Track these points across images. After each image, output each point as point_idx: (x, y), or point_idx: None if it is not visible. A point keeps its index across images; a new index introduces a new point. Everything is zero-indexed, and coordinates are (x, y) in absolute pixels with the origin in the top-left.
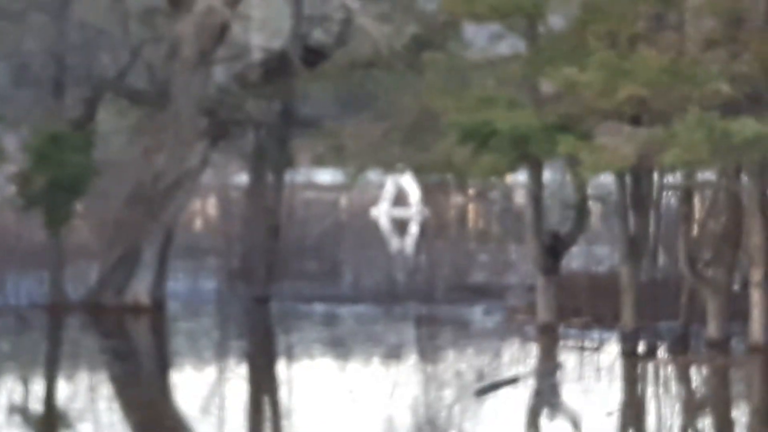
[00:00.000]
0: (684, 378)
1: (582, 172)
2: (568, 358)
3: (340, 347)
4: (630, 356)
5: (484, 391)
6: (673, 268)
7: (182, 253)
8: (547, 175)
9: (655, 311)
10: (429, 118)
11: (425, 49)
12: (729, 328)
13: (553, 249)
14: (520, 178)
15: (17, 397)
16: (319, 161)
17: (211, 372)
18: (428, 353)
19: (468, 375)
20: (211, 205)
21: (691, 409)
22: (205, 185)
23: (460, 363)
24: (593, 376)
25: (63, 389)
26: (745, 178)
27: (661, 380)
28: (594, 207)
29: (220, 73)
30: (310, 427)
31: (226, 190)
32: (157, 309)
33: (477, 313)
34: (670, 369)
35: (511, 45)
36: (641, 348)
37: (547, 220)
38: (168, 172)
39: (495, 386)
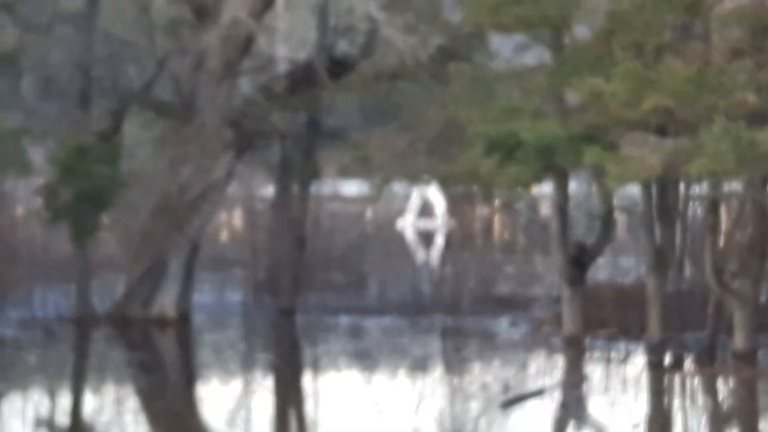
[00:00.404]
0: (711, 390)
1: (608, 182)
2: (594, 370)
3: (366, 359)
4: (656, 368)
5: (510, 404)
6: (699, 280)
7: (208, 265)
8: (573, 186)
9: (681, 323)
10: (454, 129)
11: (450, 60)
12: (756, 340)
13: (579, 260)
14: (545, 189)
15: (44, 409)
16: (345, 172)
17: (237, 384)
18: (454, 365)
19: (494, 387)
20: (237, 217)
21: (718, 421)
22: (231, 197)
23: (486, 375)
24: (619, 388)
25: (90, 402)
26: None
27: (688, 392)
28: (620, 218)
29: (245, 85)
30: None
31: (252, 201)
32: (183, 321)
33: (503, 325)
34: (697, 381)
35: (536, 55)
36: (668, 359)
37: (573, 231)
38: (194, 183)
39: (521, 398)
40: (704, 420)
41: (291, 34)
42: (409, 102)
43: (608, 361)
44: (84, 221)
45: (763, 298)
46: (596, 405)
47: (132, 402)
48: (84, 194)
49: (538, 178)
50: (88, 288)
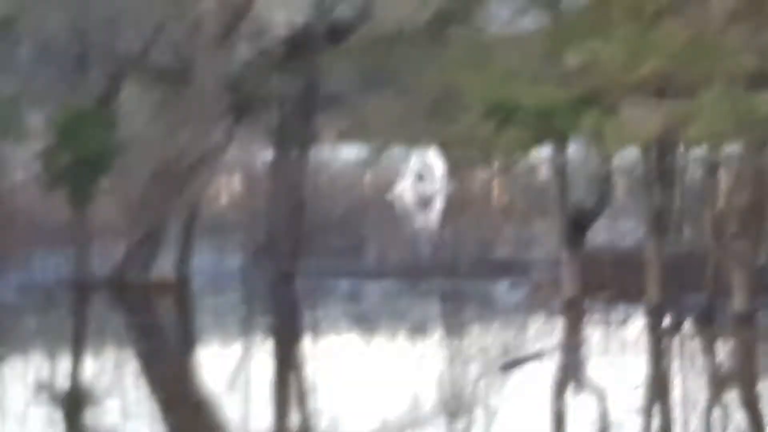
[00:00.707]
0: (710, 351)
1: (607, 146)
2: (593, 333)
3: (365, 323)
4: (655, 330)
5: (509, 366)
6: (698, 242)
7: (207, 229)
8: (572, 149)
9: (680, 285)
10: (453, 94)
11: (449, 25)
12: (755, 302)
13: (578, 223)
14: (544, 153)
15: (44, 373)
16: (344, 137)
17: (236, 348)
18: (453, 328)
19: (493, 350)
20: (236, 182)
21: (717, 383)
22: (230, 162)
23: (485, 338)
24: (619, 351)
25: (89, 366)
26: None
27: (687, 354)
28: (619, 181)
29: (243, 50)
30: (336, 403)
31: (251, 166)
32: (182, 285)
33: (502, 288)
34: (696, 342)
35: (534, 20)
36: (667, 322)
37: (571, 194)
38: (192, 148)
39: (520, 361)
40: (703, 382)
41: None
42: (408, 66)
43: (607, 323)
44: (82, 186)
45: (761, 260)
46: (596, 367)
47: (131, 366)
48: (82, 159)
49: (537, 142)
50: (87, 253)
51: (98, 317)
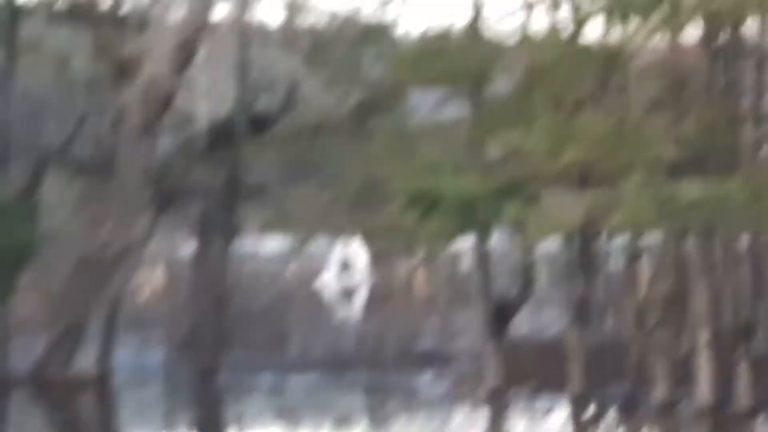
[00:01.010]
0: None
1: (529, 236)
2: (517, 424)
3: (289, 416)
4: (579, 421)
5: None
6: (620, 332)
7: (129, 324)
8: (495, 239)
9: (603, 375)
10: (376, 184)
11: (371, 115)
12: (677, 392)
13: (501, 314)
14: (467, 242)
15: None
16: (267, 228)
17: None
18: (377, 421)
19: None
20: (159, 274)
21: None
22: (152, 255)
23: (409, 430)
24: None
25: None
26: (690, 241)
27: None
28: (541, 270)
29: (165, 142)
30: None
31: (173, 259)
32: (104, 381)
33: (426, 380)
34: None
35: (456, 110)
36: (590, 412)
37: (494, 284)
38: (114, 241)
39: None
40: None
41: (211, 90)
42: (331, 157)
43: (531, 413)
44: (2, 281)
45: (683, 350)
46: None
47: None
48: (2, 253)
49: (459, 232)
50: (7, 349)
51: (18, 415)
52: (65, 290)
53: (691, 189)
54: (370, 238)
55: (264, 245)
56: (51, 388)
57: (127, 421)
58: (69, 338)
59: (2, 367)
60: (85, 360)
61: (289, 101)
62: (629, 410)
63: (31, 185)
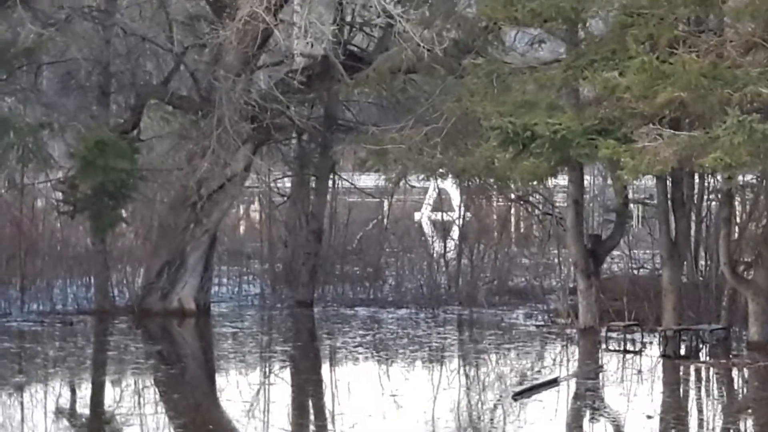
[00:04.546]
0: (725, 381)
1: (623, 175)
2: (609, 361)
3: (383, 350)
4: (671, 359)
5: (522, 394)
6: (714, 271)
7: (227, 257)
8: (588, 178)
9: (696, 314)
10: (470, 123)
11: (466, 54)
12: None
13: (595, 252)
14: (561, 182)
15: (64, 401)
16: (362, 166)
17: (255, 376)
18: (470, 356)
19: (509, 378)
20: (255, 210)
21: (733, 412)
22: (249, 190)
23: (501, 366)
24: (634, 379)
25: (109, 393)
26: None
27: (703, 383)
28: (635, 210)
29: (263, 79)
30: (354, 428)
31: (270, 195)
32: (202, 313)
33: (519, 317)
34: (712, 372)
35: (551, 49)
36: (683, 350)
37: (588, 223)
38: (212, 177)
39: (534, 389)
40: (719, 411)
41: (308, 28)
42: (425, 96)
43: (623, 352)
44: (103, 215)
45: None
46: (611, 395)
47: (152, 393)
48: (103, 188)
49: (553, 171)
50: (108, 281)
51: (119, 345)
52: (164, 224)
53: None
54: (464, 176)
55: (359, 182)
56: (150, 319)
57: (225, 353)
58: (168, 271)
59: (103, 299)
60: (184, 292)
61: (385, 40)
62: (722, 349)
63: (131, 121)
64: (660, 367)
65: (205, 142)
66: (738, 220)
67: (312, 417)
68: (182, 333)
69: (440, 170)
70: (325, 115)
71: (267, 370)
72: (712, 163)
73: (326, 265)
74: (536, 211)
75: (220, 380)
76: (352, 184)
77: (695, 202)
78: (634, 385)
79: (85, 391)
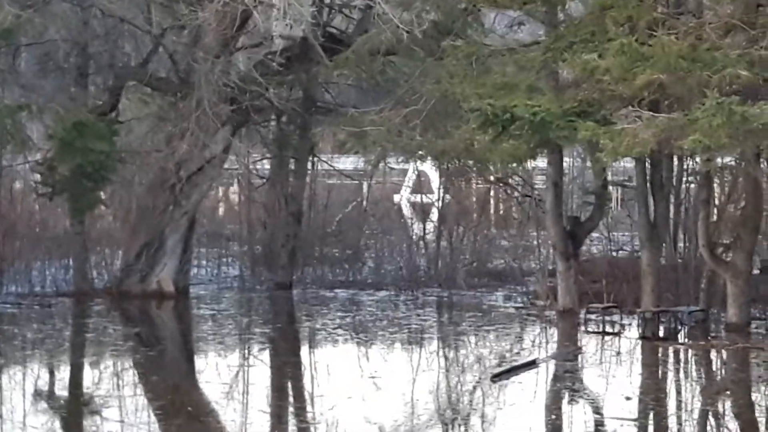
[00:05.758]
0: (704, 362)
1: (602, 157)
2: (588, 343)
3: (362, 332)
4: (650, 340)
5: (500, 375)
6: (693, 253)
7: (206, 239)
8: (567, 160)
9: (675, 296)
10: (449, 105)
11: (445, 36)
12: (748, 313)
13: (574, 234)
14: (540, 164)
15: (43, 383)
16: (341, 148)
17: (234, 357)
18: (449, 338)
19: (488, 360)
20: (234, 192)
21: (711, 393)
22: (228, 172)
23: (480, 348)
24: (613, 360)
25: (88, 375)
26: (764, 163)
27: (681, 364)
28: (614, 192)
29: (242, 61)
30: (333, 410)
31: (249, 177)
32: (180, 295)
33: (498, 299)
34: (690, 353)
35: (530, 31)
36: (661, 332)
37: (567, 205)
38: (191, 159)
39: (512, 370)
40: (697, 392)
41: (287, 10)
42: (404, 78)
43: (602, 333)
44: (81, 196)
45: (755, 271)
46: (590, 377)
47: (130, 375)
48: (81, 170)
49: (532, 153)
50: (86, 263)
51: (97, 327)
52: (143, 206)
53: (764, 111)
54: (443, 158)
55: (338, 164)
56: (129, 301)
57: (203, 335)
58: (147, 253)
59: (81, 281)
60: (163, 274)
61: (364, 21)
62: (700, 331)
63: (110, 103)
64: (639, 349)
65: (183, 124)
66: (717, 202)
67: (291, 399)
68: (161, 315)
69: (419, 152)
70: (304, 97)
71: (246, 352)
72: (691, 145)
73: (305, 247)
74: (515, 193)
75: (198, 362)
76: (331, 166)
77: (674, 184)
78: (612, 367)
79: (63, 373)
